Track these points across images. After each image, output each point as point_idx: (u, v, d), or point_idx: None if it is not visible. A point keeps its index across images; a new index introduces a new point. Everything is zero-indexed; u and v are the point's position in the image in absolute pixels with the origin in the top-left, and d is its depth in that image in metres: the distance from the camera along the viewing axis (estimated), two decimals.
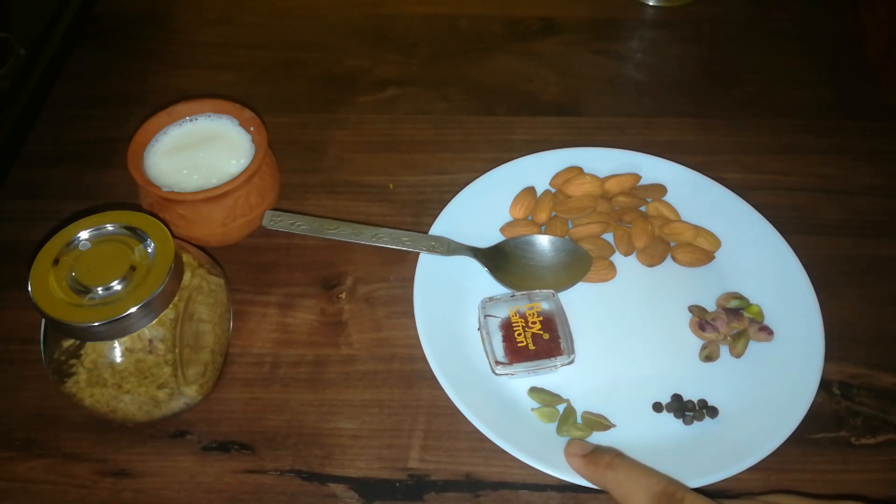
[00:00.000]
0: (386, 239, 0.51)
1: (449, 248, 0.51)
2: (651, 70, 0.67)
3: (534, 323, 0.47)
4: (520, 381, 0.47)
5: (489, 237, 0.53)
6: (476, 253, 0.51)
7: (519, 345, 0.47)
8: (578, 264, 0.52)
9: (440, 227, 0.52)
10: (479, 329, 0.49)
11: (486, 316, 0.48)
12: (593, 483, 0.41)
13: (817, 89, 0.65)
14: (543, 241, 0.53)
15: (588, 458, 0.41)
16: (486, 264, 0.51)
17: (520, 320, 0.48)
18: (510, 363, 0.46)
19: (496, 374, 0.47)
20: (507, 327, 0.47)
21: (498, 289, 0.51)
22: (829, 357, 0.47)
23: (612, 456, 0.41)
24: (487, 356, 0.47)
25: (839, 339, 0.49)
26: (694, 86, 0.66)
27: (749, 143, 0.61)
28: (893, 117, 0.63)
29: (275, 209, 0.51)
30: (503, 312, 0.48)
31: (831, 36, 0.70)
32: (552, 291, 0.49)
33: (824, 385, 0.47)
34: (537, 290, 0.49)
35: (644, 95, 0.65)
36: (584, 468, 0.41)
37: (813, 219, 0.56)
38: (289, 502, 0.43)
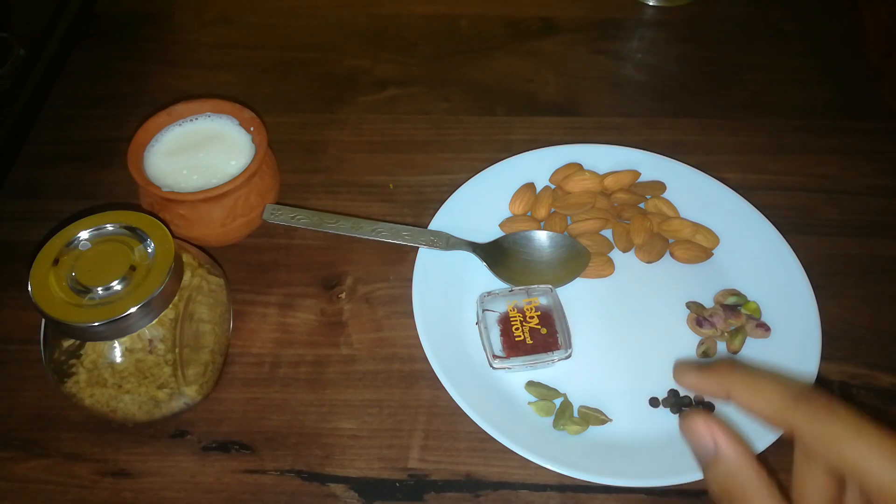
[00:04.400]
0: (385, 233, 0.51)
1: (448, 242, 0.51)
2: (651, 70, 0.67)
3: (531, 318, 0.48)
4: (517, 375, 0.47)
5: (488, 233, 0.53)
6: (475, 248, 0.51)
7: (516, 339, 0.47)
8: (577, 260, 0.52)
9: (440, 223, 0.52)
10: (477, 323, 0.49)
11: (484, 310, 0.48)
12: (713, 393, 0.36)
13: (817, 89, 0.65)
14: (542, 237, 0.53)
15: (703, 369, 0.36)
16: (484, 259, 0.51)
17: (518, 315, 0.48)
18: (507, 357, 0.46)
19: (493, 368, 0.47)
20: (505, 322, 0.47)
21: (496, 283, 0.51)
22: (829, 357, 0.46)
23: (727, 361, 0.38)
24: (485, 350, 0.47)
25: (839, 339, 0.49)
26: (694, 86, 0.66)
27: (749, 143, 0.61)
28: (893, 117, 0.63)
29: None
30: (501, 307, 0.48)
31: (831, 36, 0.70)
32: (550, 287, 0.49)
33: (824, 385, 0.47)
34: (535, 286, 0.49)
35: (644, 95, 0.65)
36: (702, 381, 0.36)
37: (812, 219, 0.56)
38: (289, 502, 0.43)
